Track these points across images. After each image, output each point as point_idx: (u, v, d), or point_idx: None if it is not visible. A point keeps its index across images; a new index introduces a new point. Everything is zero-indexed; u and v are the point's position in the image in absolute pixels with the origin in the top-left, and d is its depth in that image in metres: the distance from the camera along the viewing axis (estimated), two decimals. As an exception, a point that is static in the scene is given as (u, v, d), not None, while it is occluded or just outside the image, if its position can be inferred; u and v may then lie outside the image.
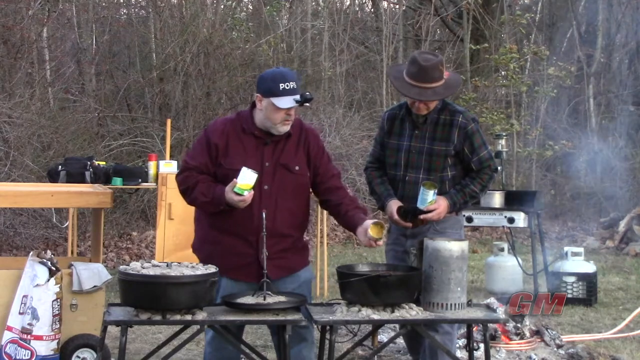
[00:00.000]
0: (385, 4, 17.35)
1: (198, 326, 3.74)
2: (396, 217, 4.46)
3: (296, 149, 4.17)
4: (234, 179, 3.95)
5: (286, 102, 4.00)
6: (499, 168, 7.99)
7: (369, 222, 4.06)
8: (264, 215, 3.94)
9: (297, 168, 4.15)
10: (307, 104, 4.07)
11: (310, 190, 4.29)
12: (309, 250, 4.37)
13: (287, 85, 4.01)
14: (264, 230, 3.91)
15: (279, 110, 4.02)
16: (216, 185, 4.05)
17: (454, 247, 3.86)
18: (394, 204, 4.51)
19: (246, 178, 3.93)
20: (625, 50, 16.25)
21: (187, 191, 4.13)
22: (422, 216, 4.42)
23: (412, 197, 4.44)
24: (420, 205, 4.38)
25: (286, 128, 4.09)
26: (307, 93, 4.05)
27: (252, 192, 3.96)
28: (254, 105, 4.16)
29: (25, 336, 4.69)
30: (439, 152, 4.49)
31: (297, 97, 4.01)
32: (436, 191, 4.37)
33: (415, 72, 4.37)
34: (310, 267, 4.34)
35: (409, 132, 4.56)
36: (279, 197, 4.10)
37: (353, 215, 4.17)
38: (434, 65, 4.36)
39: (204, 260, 4.04)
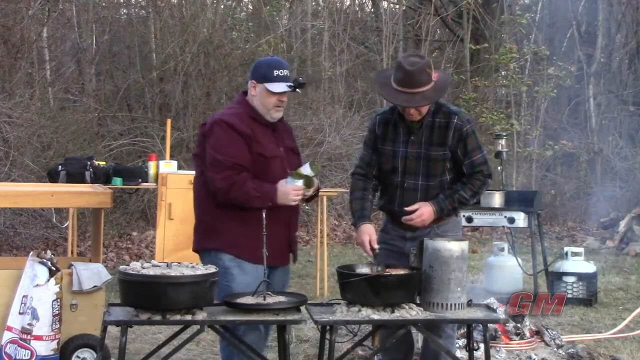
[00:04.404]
0: (385, 4, 17.37)
1: (198, 326, 3.74)
2: (367, 247, 4.27)
3: (286, 134, 4.41)
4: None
5: (279, 87, 4.19)
6: (497, 170, 8.00)
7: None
8: (264, 215, 3.96)
9: (297, 151, 4.45)
10: (299, 90, 4.26)
11: None
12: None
13: (281, 72, 4.22)
14: (264, 230, 3.94)
15: (273, 95, 4.21)
16: (263, 183, 4.16)
17: (454, 247, 3.86)
18: (366, 231, 4.30)
19: (306, 169, 4.14)
20: (625, 50, 16.25)
21: (232, 187, 4.10)
22: (404, 219, 4.31)
23: (411, 204, 4.33)
24: (290, 183, 4.17)
25: (279, 114, 4.28)
26: (300, 78, 4.26)
27: (302, 186, 4.13)
28: (244, 94, 4.32)
29: (25, 336, 4.69)
30: (436, 157, 4.35)
31: (290, 82, 4.22)
32: (304, 179, 4.16)
33: (402, 78, 4.20)
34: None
35: (404, 138, 4.39)
36: None
37: None
38: (420, 69, 4.18)
39: (242, 254, 4.12)
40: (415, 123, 4.36)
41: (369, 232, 4.30)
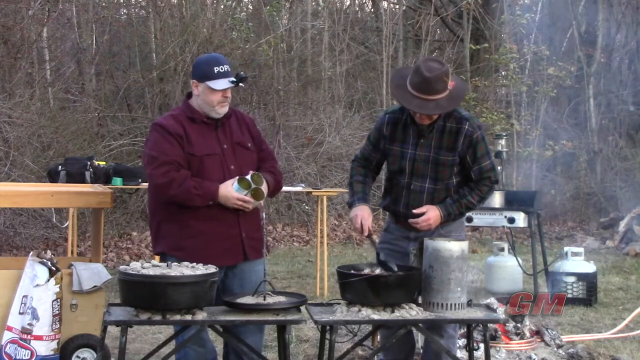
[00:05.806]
0: (385, 4, 17.37)
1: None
2: (358, 223, 4.31)
3: (240, 128, 4.36)
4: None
5: (222, 84, 4.20)
6: (500, 172, 7.99)
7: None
8: (263, 215, 3.98)
9: (249, 145, 4.35)
10: (242, 84, 4.25)
11: None
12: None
13: (222, 69, 4.21)
14: (265, 230, 3.94)
15: (216, 93, 4.20)
16: (204, 181, 4.15)
17: (454, 247, 3.86)
18: (365, 210, 4.35)
19: (250, 180, 4.12)
20: (625, 50, 16.25)
21: (172, 184, 4.11)
22: (411, 221, 4.32)
23: (417, 206, 4.34)
24: (236, 189, 4.18)
25: (224, 110, 4.28)
26: (242, 73, 4.25)
27: (247, 196, 4.11)
28: (189, 96, 4.33)
29: (25, 336, 4.69)
30: (445, 161, 4.33)
31: (232, 78, 4.21)
32: (251, 191, 4.18)
33: (418, 83, 4.17)
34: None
35: (413, 140, 4.37)
36: (244, 174, 4.21)
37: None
38: (438, 76, 4.15)
39: (189, 257, 4.01)
40: (426, 126, 4.35)
41: (367, 212, 4.35)
